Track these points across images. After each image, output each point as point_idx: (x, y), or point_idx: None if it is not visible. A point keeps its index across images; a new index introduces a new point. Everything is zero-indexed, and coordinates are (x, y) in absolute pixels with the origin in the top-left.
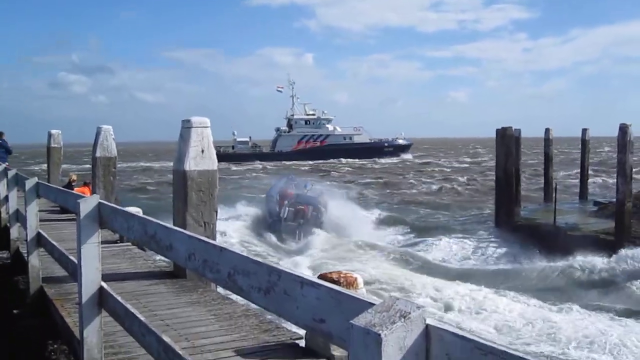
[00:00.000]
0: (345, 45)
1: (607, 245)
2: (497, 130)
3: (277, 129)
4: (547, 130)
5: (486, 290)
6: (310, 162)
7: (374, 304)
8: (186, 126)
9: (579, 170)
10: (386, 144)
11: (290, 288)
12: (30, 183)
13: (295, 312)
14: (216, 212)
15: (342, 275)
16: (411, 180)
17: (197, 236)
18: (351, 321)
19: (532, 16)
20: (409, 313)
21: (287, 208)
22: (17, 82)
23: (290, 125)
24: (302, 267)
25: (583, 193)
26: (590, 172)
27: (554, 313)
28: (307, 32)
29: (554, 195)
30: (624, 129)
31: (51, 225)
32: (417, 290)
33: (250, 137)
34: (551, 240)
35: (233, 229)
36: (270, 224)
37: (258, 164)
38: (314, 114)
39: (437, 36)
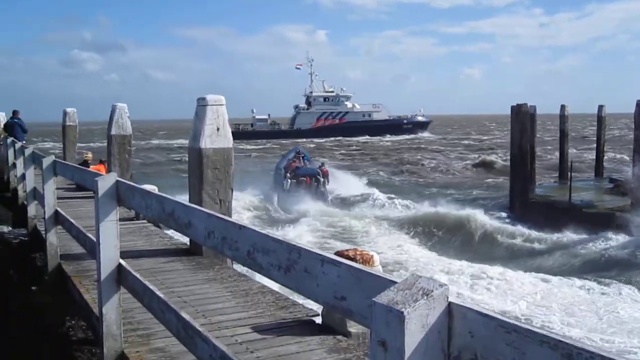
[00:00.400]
0: (359, 22)
1: (624, 222)
2: (512, 107)
3: (296, 107)
4: (562, 107)
5: (504, 269)
6: (330, 139)
7: (395, 282)
8: (201, 104)
9: (584, 147)
10: (405, 121)
11: (311, 266)
12: (47, 161)
13: (315, 290)
14: (232, 189)
15: (358, 252)
16: (418, 156)
17: (216, 214)
18: (374, 299)
19: None
20: (432, 291)
21: (289, 180)
22: (31, 61)
23: (309, 103)
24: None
25: (598, 170)
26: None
27: (576, 290)
28: (319, 8)
29: (569, 172)
30: None
31: (67, 203)
32: (430, 270)
33: (269, 115)
34: (567, 218)
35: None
36: (275, 195)
37: (257, 145)
38: (332, 91)
39: (452, 12)
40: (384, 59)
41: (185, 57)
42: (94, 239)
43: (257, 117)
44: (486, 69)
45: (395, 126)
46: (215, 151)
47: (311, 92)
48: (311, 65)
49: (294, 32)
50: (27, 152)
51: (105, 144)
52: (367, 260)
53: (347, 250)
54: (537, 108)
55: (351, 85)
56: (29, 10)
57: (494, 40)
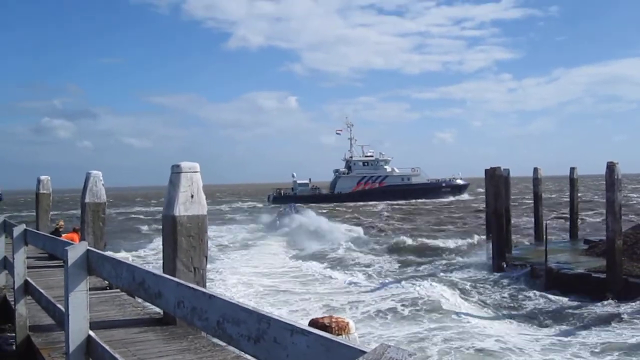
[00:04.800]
0: (332, 88)
1: (599, 284)
2: (486, 171)
3: (336, 171)
4: (535, 170)
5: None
6: (371, 203)
7: (365, 352)
8: (176, 171)
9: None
10: (444, 184)
11: (281, 336)
12: (18, 230)
13: None
14: (206, 257)
15: (333, 320)
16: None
17: (186, 283)
18: None
19: (516, 57)
20: None
21: (277, 222)
22: (2, 129)
23: (349, 167)
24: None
25: (573, 231)
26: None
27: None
28: (292, 76)
29: (544, 234)
30: (611, 167)
31: (39, 272)
32: None
33: (310, 179)
34: (543, 280)
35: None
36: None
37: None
38: (372, 156)
39: (423, 78)
40: (358, 124)
41: (160, 124)
42: (64, 309)
43: (298, 181)
44: (458, 133)
45: (434, 189)
46: (189, 218)
47: (351, 157)
48: (350, 130)
49: (266, 100)
50: None
51: (79, 212)
52: (342, 328)
53: (322, 317)
54: (511, 171)
55: (325, 152)
56: None
57: (464, 106)
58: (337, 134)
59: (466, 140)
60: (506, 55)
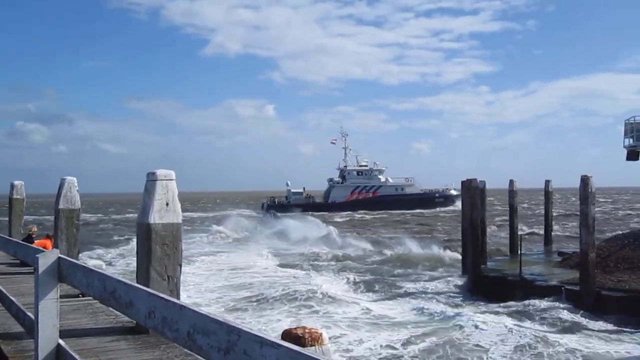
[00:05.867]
0: (310, 97)
1: (573, 295)
2: (463, 182)
3: (330, 180)
4: (511, 182)
5: None
6: (364, 212)
7: None
8: (151, 179)
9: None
10: (437, 195)
11: (250, 348)
12: None
13: None
14: (180, 265)
15: (306, 330)
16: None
17: (157, 293)
18: None
19: (494, 69)
20: None
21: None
22: None
23: (343, 176)
24: None
25: (547, 243)
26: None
27: None
28: (271, 84)
29: (519, 246)
30: (585, 181)
31: (10, 279)
32: None
33: (304, 188)
34: (518, 292)
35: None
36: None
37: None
38: (366, 166)
39: (401, 89)
40: (337, 134)
41: (137, 129)
42: (34, 317)
43: (292, 190)
44: (435, 144)
45: (427, 199)
46: (164, 226)
47: (345, 166)
48: (345, 139)
49: (243, 108)
50: None
51: (53, 218)
52: (315, 339)
53: (295, 328)
54: (487, 183)
55: (304, 160)
56: None
57: (442, 117)
58: (332, 143)
59: (443, 152)
60: (484, 67)
